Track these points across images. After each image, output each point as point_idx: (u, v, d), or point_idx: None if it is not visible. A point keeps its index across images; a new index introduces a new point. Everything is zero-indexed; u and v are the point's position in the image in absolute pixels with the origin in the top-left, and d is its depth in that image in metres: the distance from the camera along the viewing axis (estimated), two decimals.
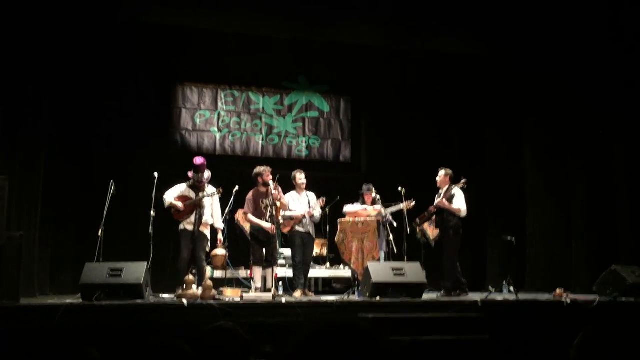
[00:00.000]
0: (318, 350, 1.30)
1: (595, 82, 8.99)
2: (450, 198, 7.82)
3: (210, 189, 7.65)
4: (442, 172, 8.06)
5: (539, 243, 9.51)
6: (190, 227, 7.49)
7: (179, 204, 7.44)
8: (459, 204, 7.81)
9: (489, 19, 9.15)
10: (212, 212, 7.67)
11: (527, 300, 7.32)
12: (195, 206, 7.51)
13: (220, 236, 7.70)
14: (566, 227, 9.31)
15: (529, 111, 9.96)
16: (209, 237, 7.66)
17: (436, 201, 7.90)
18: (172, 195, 7.52)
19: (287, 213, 7.82)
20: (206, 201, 7.57)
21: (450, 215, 7.80)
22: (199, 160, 7.63)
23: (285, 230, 7.89)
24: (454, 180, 7.98)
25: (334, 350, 1.29)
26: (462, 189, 7.92)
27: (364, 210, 8.39)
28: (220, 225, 7.72)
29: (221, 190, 7.63)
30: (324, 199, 8.09)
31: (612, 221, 8.86)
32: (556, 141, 9.57)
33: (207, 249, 7.67)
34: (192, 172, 7.61)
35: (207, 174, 7.65)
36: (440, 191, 8.01)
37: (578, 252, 9.06)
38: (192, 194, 7.58)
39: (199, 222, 7.49)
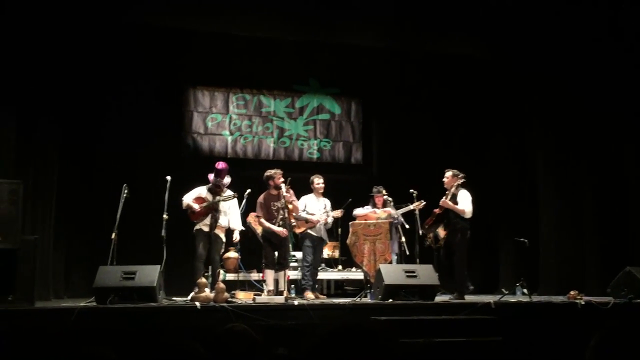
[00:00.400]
0: (333, 351, 1.30)
1: (605, 82, 8.94)
2: (453, 198, 7.65)
3: (227, 192, 7.67)
4: (448, 173, 7.85)
5: (551, 245, 9.44)
6: (206, 229, 7.52)
7: (195, 206, 7.48)
8: (464, 204, 7.58)
9: (497, 21, 9.13)
10: (230, 215, 7.69)
11: (540, 302, 7.28)
12: (210, 209, 7.54)
13: (236, 235, 7.71)
14: (579, 228, 9.23)
15: (540, 112, 9.90)
16: (224, 239, 7.68)
17: (441, 202, 7.75)
18: (191, 197, 7.57)
19: (303, 214, 7.83)
20: (222, 205, 7.60)
21: (457, 217, 7.59)
22: (221, 165, 7.66)
23: (298, 230, 7.90)
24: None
25: (348, 351, 1.30)
26: (461, 185, 7.72)
27: (373, 213, 8.38)
28: (238, 226, 7.75)
29: (236, 195, 7.66)
30: (343, 211, 8.10)
31: (625, 222, 8.79)
32: (566, 142, 9.51)
33: (222, 252, 7.71)
34: (212, 175, 7.64)
35: (227, 179, 7.67)
36: (447, 192, 7.88)
37: (591, 254, 8.99)
38: (210, 197, 7.61)
39: (214, 224, 7.53)
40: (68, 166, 8.45)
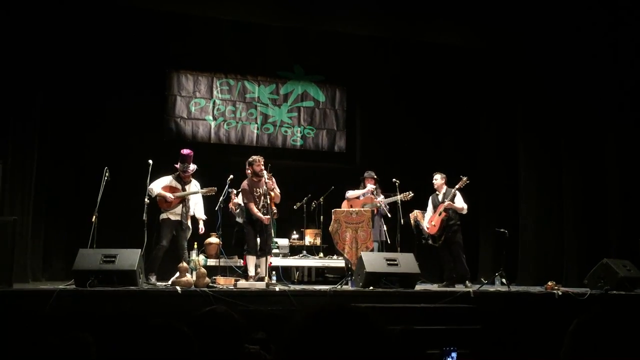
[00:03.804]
0: (317, 334, 1.30)
1: (588, 75, 9.03)
2: (452, 198, 8.05)
3: (193, 181, 7.64)
4: (438, 176, 8.28)
5: (531, 236, 9.56)
6: (174, 217, 7.46)
7: (169, 195, 7.41)
8: (462, 203, 8.12)
9: (484, 11, 9.14)
10: (195, 204, 7.67)
11: (519, 292, 7.37)
12: (184, 199, 7.51)
13: (201, 225, 7.71)
14: (558, 220, 9.35)
15: (523, 104, 9.97)
16: (191, 228, 7.67)
17: (444, 205, 8.02)
18: (159, 186, 7.49)
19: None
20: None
21: (455, 214, 8.07)
22: (186, 151, 7.62)
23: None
24: (451, 182, 8.18)
25: (332, 334, 1.29)
26: (461, 188, 8.08)
27: (367, 198, 8.43)
28: (202, 215, 7.73)
29: (215, 189, 7.63)
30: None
31: (604, 215, 8.91)
32: (549, 135, 9.60)
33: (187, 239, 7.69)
34: (179, 163, 7.59)
35: (193, 166, 7.59)
36: (438, 192, 8.21)
37: (570, 246, 9.11)
38: (178, 186, 7.55)
39: (186, 214, 7.49)
40: (48, 148, 8.35)
